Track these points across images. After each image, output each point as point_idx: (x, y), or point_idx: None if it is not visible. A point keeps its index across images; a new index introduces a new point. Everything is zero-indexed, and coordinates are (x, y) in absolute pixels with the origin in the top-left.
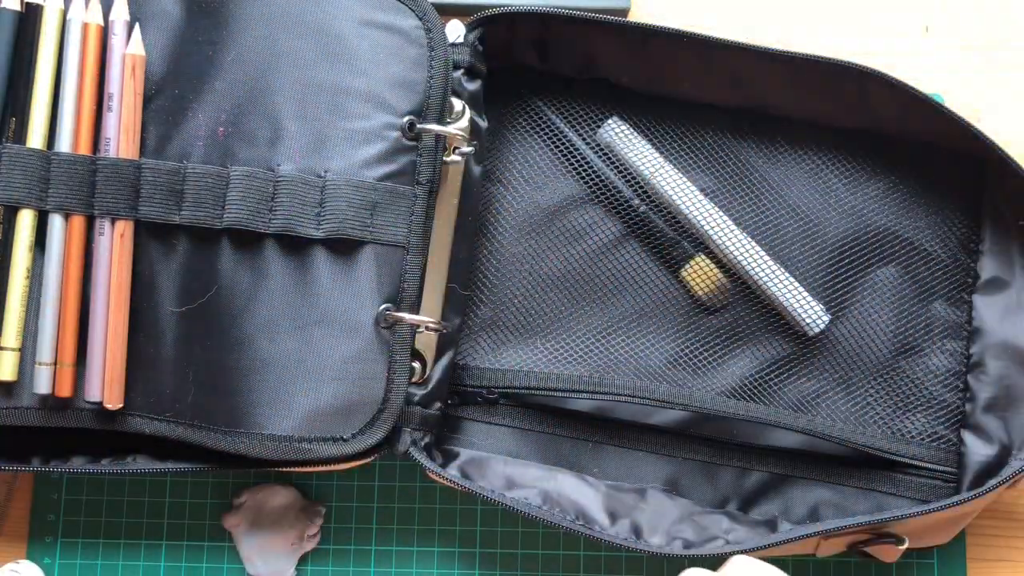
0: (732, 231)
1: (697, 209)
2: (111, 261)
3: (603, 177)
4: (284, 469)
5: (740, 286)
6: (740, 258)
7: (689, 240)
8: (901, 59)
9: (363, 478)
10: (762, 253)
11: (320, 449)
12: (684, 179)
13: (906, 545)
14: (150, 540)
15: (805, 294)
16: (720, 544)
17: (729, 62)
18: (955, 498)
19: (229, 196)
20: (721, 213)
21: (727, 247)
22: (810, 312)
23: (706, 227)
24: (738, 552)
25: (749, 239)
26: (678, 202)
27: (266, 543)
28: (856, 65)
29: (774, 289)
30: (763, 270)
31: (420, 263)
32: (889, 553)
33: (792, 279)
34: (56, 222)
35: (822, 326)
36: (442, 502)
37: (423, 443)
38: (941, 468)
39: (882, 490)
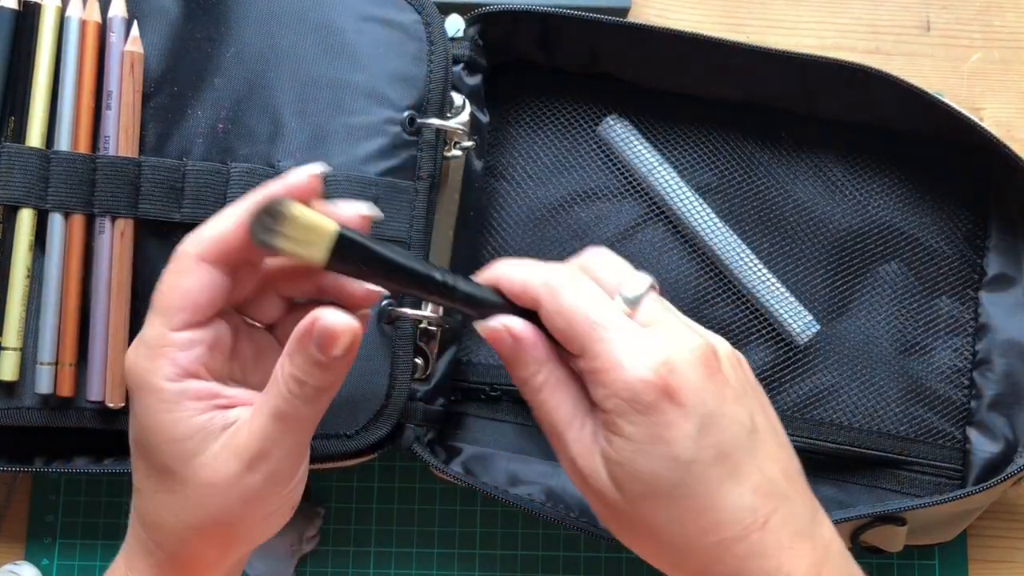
0: (724, 234)
1: (690, 211)
2: (111, 260)
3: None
4: None
5: (733, 290)
6: (730, 262)
7: (681, 239)
8: (901, 58)
9: (362, 479)
10: (752, 257)
11: (324, 446)
12: (680, 180)
13: (907, 526)
14: None
15: (794, 301)
16: None
17: (732, 61)
18: (960, 491)
19: (230, 193)
20: (714, 215)
21: (718, 249)
22: (799, 321)
23: (698, 228)
24: None
25: (740, 242)
26: (672, 203)
27: (265, 545)
28: (858, 65)
29: (762, 296)
30: (753, 276)
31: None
32: (892, 539)
33: (781, 286)
34: (56, 221)
35: (810, 336)
36: (441, 503)
37: (426, 439)
38: (946, 465)
39: (886, 487)
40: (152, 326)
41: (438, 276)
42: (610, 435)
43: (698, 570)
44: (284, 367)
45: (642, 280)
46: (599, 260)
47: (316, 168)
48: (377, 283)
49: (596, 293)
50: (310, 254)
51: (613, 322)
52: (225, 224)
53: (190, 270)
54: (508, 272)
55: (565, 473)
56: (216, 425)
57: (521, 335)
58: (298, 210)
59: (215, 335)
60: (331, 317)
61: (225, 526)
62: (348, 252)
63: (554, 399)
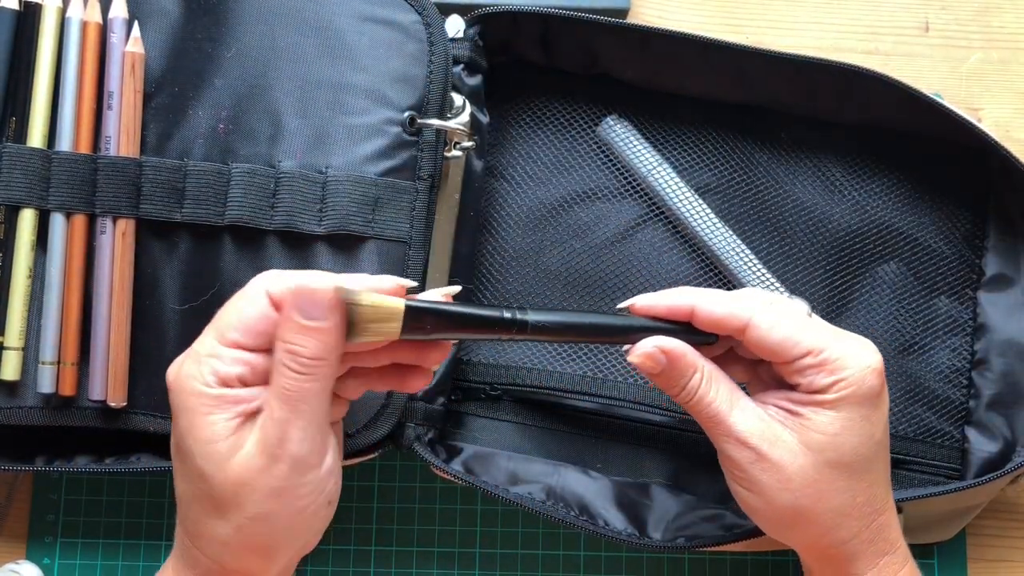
0: (724, 233)
1: (689, 210)
2: (113, 259)
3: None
4: None
5: (732, 289)
6: (730, 262)
7: (681, 240)
8: (900, 59)
9: (363, 478)
10: (752, 257)
11: None
12: (679, 179)
13: (903, 514)
14: (149, 540)
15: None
16: (724, 538)
17: (731, 62)
18: (958, 483)
19: (231, 193)
20: (714, 215)
21: (718, 249)
22: None
23: (698, 228)
24: (734, 543)
25: (740, 242)
26: (671, 202)
27: None
28: (856, 67)
29: None
30: (753, 275)
31: (422, 258)
32: None
33: (780, 286)
34: (58, 221)
35: None
36: (442, 502)
37: (427, 438)
38: (945, 464)
39: None
40: (204, 338)
41: (506, 315)
42: (819, 410)
43: (843, 538)
44: (279, 345)
45: (800, 302)
46: (761, 291)
47: (409, 283)
48: (451, 337)
49: (795, 308)
50: (387, 333)
51: (827, 325)
52: (308, 279)
53: (255, 299)
54: (665, 299)
55: (564, 471)
56: (247, 428)
57: (673, 348)
58: (366, 299)
59: (265, 366)
60: (308, 281)
61: (263, 524)
62: (418, 320)
63: (712, 391)
